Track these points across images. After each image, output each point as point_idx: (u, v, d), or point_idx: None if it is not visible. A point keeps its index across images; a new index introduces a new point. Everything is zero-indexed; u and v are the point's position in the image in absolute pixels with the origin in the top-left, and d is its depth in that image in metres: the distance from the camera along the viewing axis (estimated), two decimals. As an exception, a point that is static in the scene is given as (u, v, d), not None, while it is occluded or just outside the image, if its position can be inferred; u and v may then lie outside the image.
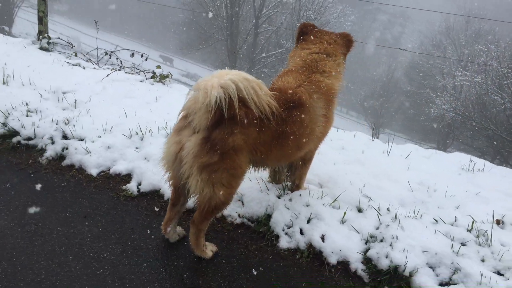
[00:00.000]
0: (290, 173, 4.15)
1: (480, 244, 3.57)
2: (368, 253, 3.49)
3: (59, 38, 9.25)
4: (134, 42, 66.55)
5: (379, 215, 3.87)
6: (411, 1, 57.70)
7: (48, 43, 8.98)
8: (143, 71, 8.10)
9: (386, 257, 3.39)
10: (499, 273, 3.36)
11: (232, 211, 3.98)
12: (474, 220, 3.82)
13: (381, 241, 3.56)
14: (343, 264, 3.50)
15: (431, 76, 46.81)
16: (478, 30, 46.28)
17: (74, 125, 5.18)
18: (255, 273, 3.38)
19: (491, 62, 32.49)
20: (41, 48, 8.87)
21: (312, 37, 4.00)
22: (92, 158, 4.66)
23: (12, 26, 44.74)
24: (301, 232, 3.72)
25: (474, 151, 35.24)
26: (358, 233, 3.69)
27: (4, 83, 6.35)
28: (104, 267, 3.30)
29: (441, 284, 3.27)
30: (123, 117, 5.50)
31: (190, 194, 3.19)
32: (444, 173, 4.99)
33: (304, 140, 3.52)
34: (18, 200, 4.01)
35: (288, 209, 3.88)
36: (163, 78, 7.73)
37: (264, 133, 3.17)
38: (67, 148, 4.83)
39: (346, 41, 4.02)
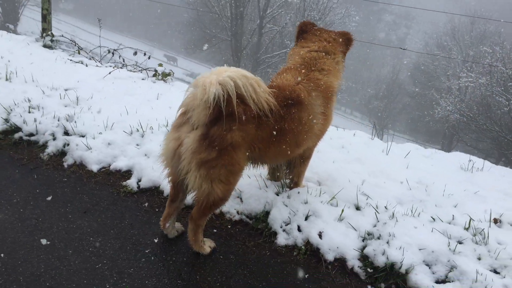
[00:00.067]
0: (289, 171, 4.17)
1: (477, 243, 3.58)
2: (365, 250, 3.51)
3: (62, 36, 9.31)
4: (139, 41, 66.79)
5: (376, 213, 3.89)
6: (416, 2, 57.59)
7: (52, 40, 9.04)
8: (145, 69, 8.14)
9: (383, 254, 3.41)
10: (495, 271, 3.37)
11: (230, 207, 4.00)
12: (472, 219, 3.83)
13: (378, 238, 3.58)
14: (340, 261, 3.52)
15: (435, 77, 46.77)
16: (484, 31, 46.19)
17: (75, 122, 5.22)
18: (252, 269, 3.41)
19: (496, 64, 32.44)
20: (45, 46, 8.94)
21: (311, 35, 4.02)
22: (93, 154, 4.70)
23: (18, 25, 44.88)
24: (299, 229, 3.74)
25: (479, 152, 35.16)
26: (356, 230, 3.71)
27: (7, 79, 6.41)
28: (103, 261, 3.33)
29: (437, 282, 3.28)
30: (124, 114, 5.54)
31: (189, 190, 3.22)
32: (443, 172, 5.00)
33: (302, 138, 3.54)
34: (19, 195, 4.05)
35: (286, 206, 3.91)
36: (164, 76, 7.77)
37: (262, 130, 3.20)
38: (68, 144, 4.87)
39: (346, 40, 4.04)
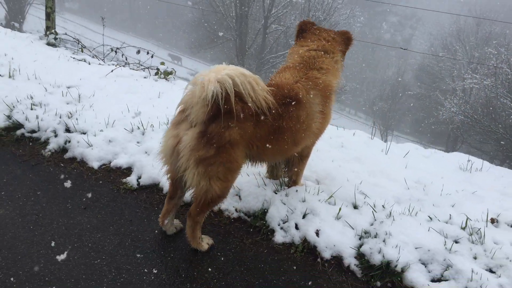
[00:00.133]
0: (287, 169, 4.19)
1: (473, 242, 3.60)
2: (362, 249, 3.53)
3: (65, 34, 9.36)
4: (144, 40, 66.90)
5: (374, 211, 3.90)
6: (422, 3, 57.47)
7: (55, 38, 9.09)
8: (147, 68, 8.18)
9: (379, 252, 3.43)
10: (491, 271, 3.38)
11: (229, 205, 4.03)
12: (469, 218, 3.84)
13: (375, 237, 3.59)
14: (337, 259, 3.54)
15: (440, 79, 46.61)
16: (489, 33, 45.99)
17: (77, 119, 5.26)
18: (249, 266, 3.44)
19: (501, 65, 32.31)
20: (48, 44, 8.99)
21: (310, 35, 4.04)
22: (94, 151, 4.74)
23: (24, 23, 45.01)
24: (296, 227, 3.77)
25: (483, 154, 35.05)
26: (353, 229, 3.73)
27: (10, 77, 6.45)
28: (101, 257, 3.36)
29: (432, 280, 3.30)
30: (126, 112, 5.58)
31: (187, 187, 3.24)
32: (442, 172, 5.01)
33: (300, 136, 3.56)
34: (20, 191, 4.09)
35: (284, 204, 3.93)
36: (166, 74, 7.80)
37: (260, 128, 3.22)
38: (69, 141, 4.91)
39: (345, 39, 4.06)
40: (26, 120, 5.21)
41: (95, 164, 4.63)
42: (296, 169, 4.13)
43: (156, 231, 3.70)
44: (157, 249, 3.51)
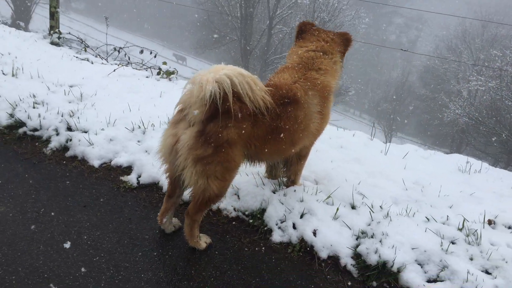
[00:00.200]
0: (286, 169, 4.21)
1: (469, 243, 3.60)
2: (358, 249, 3.54)
3: (69, 33, 9.42)
4: (150, 40, 67.15)
5: (371, 212, 3.92)
6: (428, 4, 57.28)
7: (59, 38, 9.16)
8: (150, 67, 8.22)
9: (375, 252, 3.44)
10: (487, 272, 3.39)
11: (227, 204, 4.06)
12: (466, 219, 3.85)
13: (372, 237, 3.61)
14: (333, 259, 3.56)
15: (445, 81, 46.53)
16: (495, 35, 45.86)
17: (78, 118, 5.30)
18: (246, 265, 3.46)
19: (506, 67, 32.24)
20: (52, 43, 9.06)
21: (309, 35, 4.06)
22: (95, 150, 4.78)
23: (30, 22, 45.15)
24: (294, 227, 3.79)
25: (488, 157, 34.95)
26: (350, 229, 3.75)
27: (13, 75, 6.51)
28: (100, 254, 3.39)
29: (428, 281, 3.31)
30: (127, 111, 5.61)
31: (185, 186, 3.27)
32: (441, 173, 5.02)
33: (298, 136, 3.58)
34: (21, 189, 4.13)
35: (282, 204, 3.95)
36: (168, 74, 7.84)
37: (258, 128, 3.24)
38: (71, 140, 4.95)
39: (344, 40, 4.07)
40: (28, 118, 5.26)
41: (96, 163, 4.67)
42: (294, 169, 4.15)
43: (155, 230, 3.73)
44: (156, 248, 3.54)
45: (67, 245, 3.45)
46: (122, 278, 3.18)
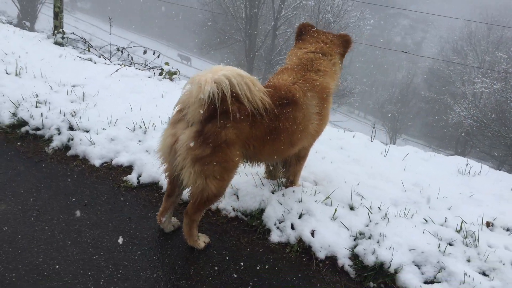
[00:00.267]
0: (285, 170, 4.23)
1: (467, 245, 3.61)
2: (356, 249, 3.56)
3: (73, 33, 9.47)
4: (155, 41, 67.45)
5: (369, 213, 3.93)
6: (433, 6, 57.16)
7: (63, 38, 9.20)
8: (152, 68, 8.26)
9: (373, 253, 3.46)
10: (484, 274, 3.39)
11: (227, 204, 4.08)
12: (464, 221, 3.86)
13: (369, 238, 3.62)
14: (331, 259, 3.57)
15: (450, 83, 46.37)
16: (500, 37, 45.67)
17: (80, 117, 5.34)
18: (244, 264, 3.48)
19: (511, 70, 32.13)
20: (56, 43, 9.12)
21: (309, 37, 4.08)
22: (96, 149, 4.81)
23: (36, 22, 45.34)
24: (292, 227, 3.80)
25: (493, 159, 34.83)
26: (348, 230, 3.76)
27: (16, 75, 6.56)
28: (100, 253, 3.42)
29: (425, 282, 3.32)
30: (129, 111, 5.65)
31: (184, 185, 3.29)
32: (441, 175, 5.02)
33: (297, 137, 3.60)
34: (23, 187, 4.16)
35: (281, 204, 3.97)
36: (170, 75, 7.88)
37: (256, 128, 3.26)
38: (72, 139, 4.98)
39: (343, 41, 4.08)
40: (31, 117, 5.30)
41: (97, 162, 4.70)
42: (293, 170, 4.17)
43: (154, 229, 3.76)
44: (154, 246, 3.56)
45: (67, 243, 3.48)
46: (121, 276, 3.21)
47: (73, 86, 6.37)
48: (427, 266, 3.41)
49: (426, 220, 3.90)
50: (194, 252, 3.54)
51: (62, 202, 4.02)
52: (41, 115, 5.33)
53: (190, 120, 3.09)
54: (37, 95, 5.80)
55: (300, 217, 3.86)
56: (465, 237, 3.68)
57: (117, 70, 7.31)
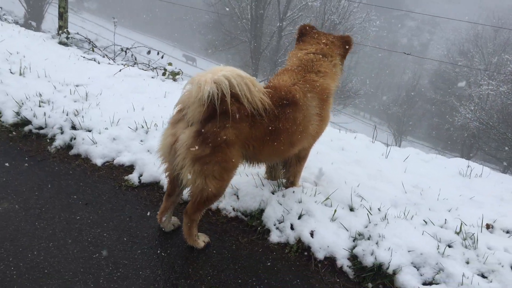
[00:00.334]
0: (285, 170, 4.24)
1: (466, 247, 3.61)
2: (355, 250, 3.56)
3: (77, 33, 9.53)
4: (161, 41, 67.67)
5: (369, 214, 3.93)
6: (440, 8, 56.98)
7: (67, 38, 9.26)
8: (155, 68, 8.29)
9: (371, 254, 3.46)
10: (483, 276, 3.39)
11: (227, 204, 4.10)
12: (464, 223, 3.86)
13: (368, 239, 3.63)
14: (330, 260, 3.58)
15: (456, 84, 46.14)
16: (507, 39, 45.40)
17: (83, 117, 5.37)
18: (244, 264, 3.49)
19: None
20: (60, 43, 9.17)
21: (309, 38, 4.10)
22: (98, 148, 4.84)
23: (42, 22, 45.53)
24: (292, 228, 3.81)
25: (498, 162, 34.66)
26: (347, 230, 3.76)
27: (21, 74, 6.60)
28: (100, 251, 3.44)
29: (424, 283, 3.32)
30: (131, 111, 5.68)
31: (183, 185, 3.31)
32: (441, 177, 5.02)
33: (296, 138, 3.61)
34: (25, 186, 4.20)
35: (281, 204, 3.98)
36: (173, 75, 7.91)
37: (256, 129, 3.28)
38: (75, 138, 5.02)
39: (344, 42, 4.09)
40: (34, 116, 5.34)
41: (99, 161, 4.73)
42: (293, 171, 4.18)
43: (155, 228, 3.78)
44: (154, 246, 3.58)
45: (68, 241, 3.51)
46: (121, 275, 3.23)
47: (77, 85, 6.41)
48: (425, 267, 3.41)
49: (425, 222, 3.90)
50: (193, 251, 3.55)
51: (64, 200, 4.05)
52: (44, 114, 5.36)
53: (190, 120, 3.11)
54: (40, 95, 5.84)
55: (299, 217, 3.87)
56: (465, 239, 3.68)
57: (120, 70, 7.35)
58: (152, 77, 7.69)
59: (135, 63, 8.84)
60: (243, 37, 40.14)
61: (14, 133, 5.20)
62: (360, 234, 3.71)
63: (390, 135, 48.55)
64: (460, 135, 41.45)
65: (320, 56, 3.91)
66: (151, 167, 4.49)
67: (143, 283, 3.17)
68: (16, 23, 15.71)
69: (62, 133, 5.13)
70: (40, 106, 5.58)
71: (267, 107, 3.23)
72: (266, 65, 40.15)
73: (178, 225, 3.80)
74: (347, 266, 3.50)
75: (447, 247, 3.57)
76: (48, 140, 5.11)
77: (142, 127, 5.26)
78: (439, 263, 3.40)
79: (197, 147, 3.05)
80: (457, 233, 3.76)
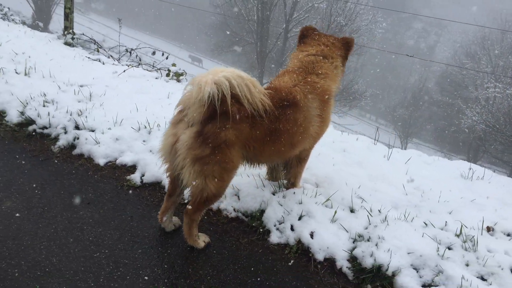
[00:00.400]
0: (286, 171, 4.25)
1: (466, 249, 3.60)
2: (354, 252, 3.57)
3: (83, 34, 9.59)
4: (167, 42, 67.93)
5: (369, 215, 3.94)
6: (447, 10, 56.76)
7: (73, 38, 9.32)
8: (159, 69, 8.33)
9: (371, 256, 3.46)
10: (482, 278, 3.39)
11: (228, 205, 4.11)
12: (464, 225, 3.85)
13: (368, 240, 3.63)
14: (330, 261, 3.59)
15: (463, 87, 45.92)
16: (514, 41, 45.14)
17: (86, 117, 5.41)
18: (243, 265, 3.51)
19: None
20: (65, 43, 9.24)
21: (310, 40, 4.11)
22: (101, 148, 4.87)
23: (50, 23, 45.74)
24: (292, 228, 3.82)
25: (505, 165, 34.47)
26: (347, 232, 3.77)
27: (26, 74, 6.66)
28: (101, 250, 3.47)
29: (423, 286, 3.31)
30: (134, 111, 5.70)
31: (184, 185, 3.33)
32: (443, 179, 5.00)
33: (297, 139, 3.62)
34: (28, 185, 4.23)
35: (281, 205, 3.99)
36: (177, 76, 7.94)
37: (256, 129, 3.29)
38: (78, 138, 5.05)
39: (345, 44, 4.10)
40: (38, 116, 5.38)
41: (101, 161, 4.76)
42: (294, 172, 4.19)
43: (155, 228, 3.80)
44: (155, 245, 3.61)
45: (70, 240, 3.54)
46: (121, 274, 3.25)
47: (81, 86, 6.45)
48: (425, 269, 3.40)
49: (426, 224, 3.90)
50: (193, 251, 3.57)
51: (66, 200, 4.08)
52: (48, 114, 5.41)
53: (190, 120, 3.13)
54: (45, 95, 5.89)
55: (300, 218, 3.88)
56: (465, 241, 3.67)
57: (124, 71, 7.39)
58: (156, 78, 7.72)
59: (139, 64, 8.88)
60: (249, 39, 40.22)
61: (18, 132, 5.24)
62: (360, 236, 3.71)
63: (396, 137, 48.43)
64: (467, 137, 41.27)
65: (321, 57, 3.92)
66: (153, 167, 4.51)
67: (143, 283, 3.19)
68: (24, 23, 15.84)
69: (65, 133, 5.17)
70: (44, 106, 5.63)
71: (267, 108, 3.25)
72: (272, 67, 40.17)
73: (179, 225, 3.82)
74: (347, 267, 3.51)
75: (447, 249, 3.57)
76: (51, 140, 5.14)
77: (145, 127, 5.29)
78: (438, 265, 3.40)
79: (197, 148, 3.07)
80: (457, 236, 3.75)
